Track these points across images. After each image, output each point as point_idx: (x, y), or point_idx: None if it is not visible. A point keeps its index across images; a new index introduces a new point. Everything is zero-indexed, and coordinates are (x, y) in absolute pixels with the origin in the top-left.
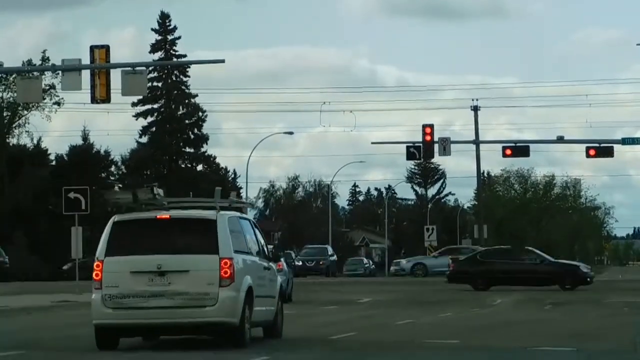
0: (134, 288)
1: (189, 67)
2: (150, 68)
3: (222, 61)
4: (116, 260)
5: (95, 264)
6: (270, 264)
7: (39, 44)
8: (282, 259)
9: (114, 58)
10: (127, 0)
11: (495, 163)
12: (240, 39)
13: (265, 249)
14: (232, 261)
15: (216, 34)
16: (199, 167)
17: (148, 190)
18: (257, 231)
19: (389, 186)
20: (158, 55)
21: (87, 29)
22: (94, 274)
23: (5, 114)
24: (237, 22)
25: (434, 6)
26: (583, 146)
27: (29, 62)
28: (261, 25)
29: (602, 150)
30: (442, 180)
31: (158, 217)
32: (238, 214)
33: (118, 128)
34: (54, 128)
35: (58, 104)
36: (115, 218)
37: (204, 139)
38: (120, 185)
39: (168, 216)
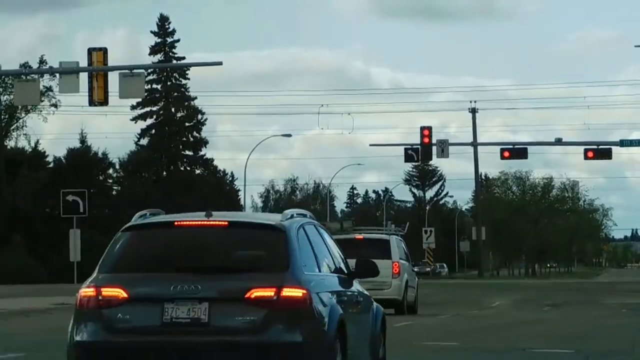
0: None
1: (188, 69)
2: (150, 70)
3: (220, 63)
4: None
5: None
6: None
7: (33, 45)
8: None
9: (109, 60)
10: (119, 2)
11: (492, 165)
12: (234, 41)
13: (409, 258)
14: (399, 263)
15: (209, 36)
16: (198, 170)
17: (350, 222)
18: (404, 245)
19: (387, 188)
20: (157, 57)
21: (79, 31)
22: None
23: (2, 116)
24: (230, 25)
25: (427, 8)
26: (579, 148)
27: (26, 64)
28: (255, 27)
29: (600, 152)
30: (440, 183)
31: (356, 237)
32: (396, 235)
33: (116, 131)
34: (51, 131)
35: (55, 105)
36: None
37: (203, 142)
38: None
39: (362, 237)
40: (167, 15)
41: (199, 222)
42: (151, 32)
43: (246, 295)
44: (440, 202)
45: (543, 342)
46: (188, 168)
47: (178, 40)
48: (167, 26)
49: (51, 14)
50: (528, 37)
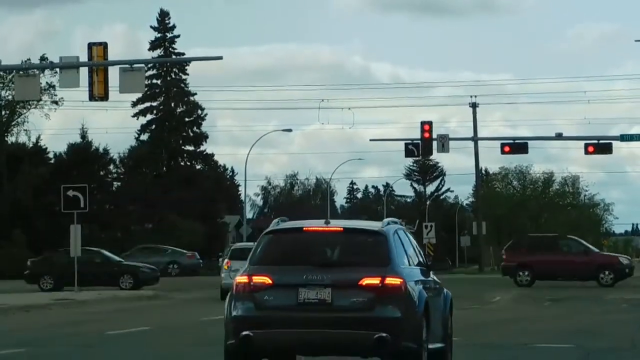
0: None
1: (188, 64)
2: (150, 66)
3: (220, 58)
4: None
5: None
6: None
7: (31, 41)
8: None
9: (108, 55)
10: None
11: (492, 160)
12: (233, 37)
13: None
14: None
15: (209, 31)
16: (198, 166)
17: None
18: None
19: (387, 184)
20: (157, 52)
21: (77, 26)
22: None
23: (3, 112)
24: (230, 20)
25: (426, 2)
26: (579, 143)
27: (27, 60)
28: (254, 23)
29: (601, 147)
30: (441, 178)
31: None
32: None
33: (116, 125)
34: (52, 126)
35: (56, 102)
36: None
37: (203, 137)
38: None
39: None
40: (167, 11)
41: (321, 228)
42: (151, 27)
43: (359, 283)
44: (441, 197)
45: (544, 338)
46: (188, 163)
47: (178, 36)
48: (167, 21)
49: (49, 9)
50: (528, 31)
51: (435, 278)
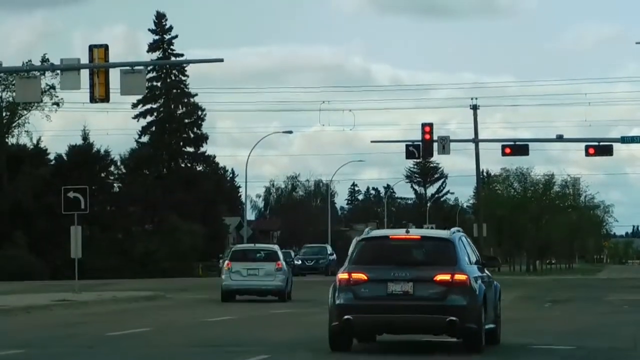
0: None
1: (187, 66)
2: (149, 68)
3: (221, 60)
4: None
5: None
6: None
7: (31, 43)
8: (281, 258)
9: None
10: None
11: (492, 162)
12: (232, 37)
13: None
14: None
15: (207, 32)
16: (199, 167)
17: (374, 224)
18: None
19: (388, 185)
20: (156, 55)
21: (76, 28)
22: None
23: (4, 113)
24: (228, 21)
25: (426, 4)
26: (580, 144)
27: (29, 62)
28: (253, 23)
29: (601, 148)
30: (442, 180)
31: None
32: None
33: (117, 127)
34: (52, 127)
35: (57, 104)
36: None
37: (204, 138)
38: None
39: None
40: (164, 12)
41: (403, 236)
42: (149, 29)
43: (434, 278)
44: (442, 199)
45: (545, 339)
46: (189, 165)
47: (176, 37)
48: (164, 23)
49: (48, 11)
50: (528, 33)
51: (488, 273)
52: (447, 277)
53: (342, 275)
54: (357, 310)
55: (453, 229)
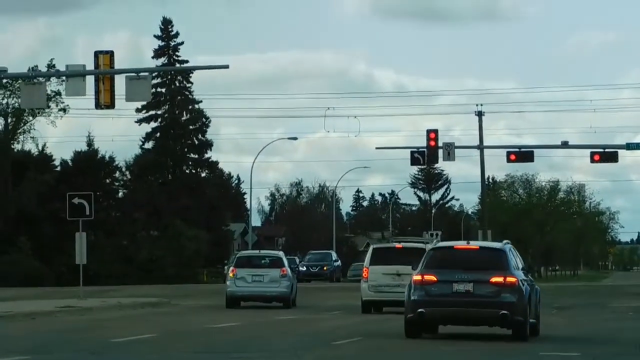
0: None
1: (192, 72)
2: (154, 74)
3: (226, 67)
4: None
5: None
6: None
7: (35, 49)
8: (286, 265)
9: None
10: (121, 5)
11: (497, 168)
12: (237, 44)
13: None
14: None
15: (213, 39)
16: (203, 173)
17: (390, 232)
18: None
19: (393, 191)
20: (161, 61)
21: (80, 34)
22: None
23: (10, 119)
24: (233, 28)
25: (430, 10)
26: (585, 151)
27: (35, 67)
28: (258, 30)
29: (607, 155)
30: (446, 186)
31: (396, 246)
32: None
33: (121, 133)
34: (57, 133)
35: (64, 110)
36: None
37: (208, 144)
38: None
39: (401, 246)
40: (170, 18)
41: (465, 247)
42: (154, 35)
43: (490, 280)
44: (446, 205)
45: (550, 345)
46: (193, 171)
47: (182, 43)
48: (170, 29)
49: (54, 17)
50: (532, 39)
51: (530, 277)
52: (500, 279)
53: (416, 277)
54: (428, 305)
55: (504, 241)
